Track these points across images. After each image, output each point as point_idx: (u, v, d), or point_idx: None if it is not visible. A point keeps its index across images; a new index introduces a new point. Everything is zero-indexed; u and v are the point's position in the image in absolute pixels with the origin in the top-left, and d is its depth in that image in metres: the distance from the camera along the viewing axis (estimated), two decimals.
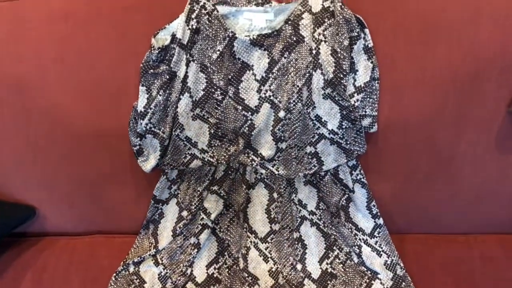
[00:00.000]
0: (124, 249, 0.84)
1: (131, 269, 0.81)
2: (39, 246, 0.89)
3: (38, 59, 0.79)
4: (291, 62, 0.74)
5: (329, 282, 0.79)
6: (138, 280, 0.80)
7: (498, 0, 0.73)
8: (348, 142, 0.77)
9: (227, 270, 0.81)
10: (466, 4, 0.74)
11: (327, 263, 0.81)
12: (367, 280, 0.79)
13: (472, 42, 0.74)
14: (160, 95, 0.75)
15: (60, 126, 0.82)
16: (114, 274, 0.81)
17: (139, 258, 0.81)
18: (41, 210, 0.89)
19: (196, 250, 0.81)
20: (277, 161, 0.78)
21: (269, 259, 0.80)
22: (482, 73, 0.75)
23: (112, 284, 0.80)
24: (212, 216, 0.82)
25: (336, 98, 0.74)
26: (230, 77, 0.76)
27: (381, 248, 0.82)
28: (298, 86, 0.74)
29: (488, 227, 0.86)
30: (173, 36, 0.74)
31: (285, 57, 0.75)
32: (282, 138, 0.76)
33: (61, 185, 0.86)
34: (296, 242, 0.81)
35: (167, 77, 0.75)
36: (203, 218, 0.82)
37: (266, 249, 0.80)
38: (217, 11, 0.74)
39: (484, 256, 0.83)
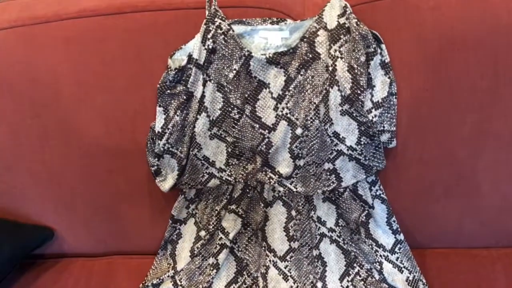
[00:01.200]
0: (142, 270, 0.84)
1: None
2: (57, 268, 0.89)
3: (54, 82, 0.79)
4: (308, 79, 0.74)
5: None
6: None
7: None
8: (367, 158, 0.76)
9: None
10: (484, 17, 0.73)
11: (347, 281, 0.80)
12: None
13: (490, 56, 0.73)
14: (177, 115, 0.75)
15: (76, 147, 0.82)
16: None
17: (157, 280, 0.81)
18: (59, 232, 0.89)
19: (215, 270, 0.80)
20: (295, 179, 0.78)
21: (289, 277, 0.79)
22: (502, 87, 0.74)
23: None
24: (230, 236, 0.81)
25: (354, 114, 0.74)
26: (246, 95, 0.76)
27: (403, 264, 0.80)
28: (315, 103, 0.74)
29: (511, 240, 0.85)
30: (190, 56, 0.74)
31: (301, 75, 0.74)
32: (300, 155, 0.76)
33: (78, 206, 0.86)
34: (315, 260, 0.80)
35: (184, 97, 0.75)
36: (221, 237, 0.81)
37: (285, 268, 0.79)
38: (233, 31, 0.74)
39: (508, 269, 0.81)
